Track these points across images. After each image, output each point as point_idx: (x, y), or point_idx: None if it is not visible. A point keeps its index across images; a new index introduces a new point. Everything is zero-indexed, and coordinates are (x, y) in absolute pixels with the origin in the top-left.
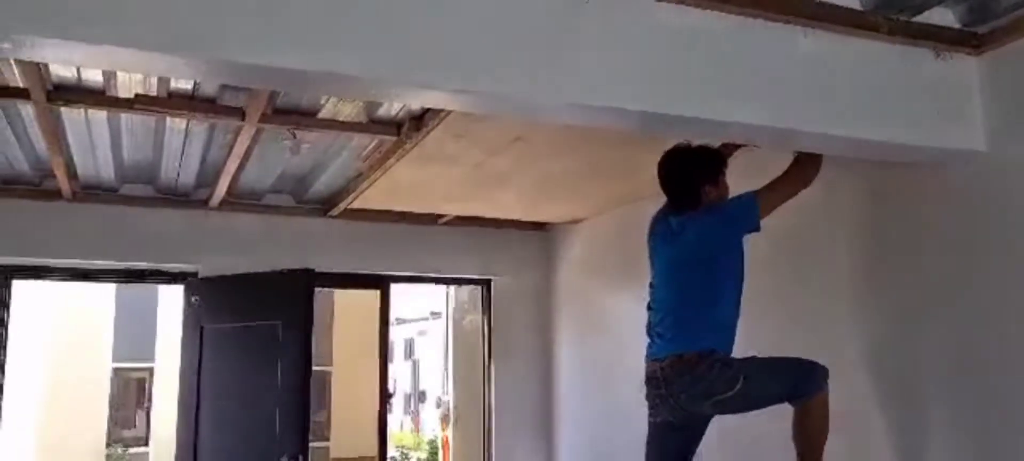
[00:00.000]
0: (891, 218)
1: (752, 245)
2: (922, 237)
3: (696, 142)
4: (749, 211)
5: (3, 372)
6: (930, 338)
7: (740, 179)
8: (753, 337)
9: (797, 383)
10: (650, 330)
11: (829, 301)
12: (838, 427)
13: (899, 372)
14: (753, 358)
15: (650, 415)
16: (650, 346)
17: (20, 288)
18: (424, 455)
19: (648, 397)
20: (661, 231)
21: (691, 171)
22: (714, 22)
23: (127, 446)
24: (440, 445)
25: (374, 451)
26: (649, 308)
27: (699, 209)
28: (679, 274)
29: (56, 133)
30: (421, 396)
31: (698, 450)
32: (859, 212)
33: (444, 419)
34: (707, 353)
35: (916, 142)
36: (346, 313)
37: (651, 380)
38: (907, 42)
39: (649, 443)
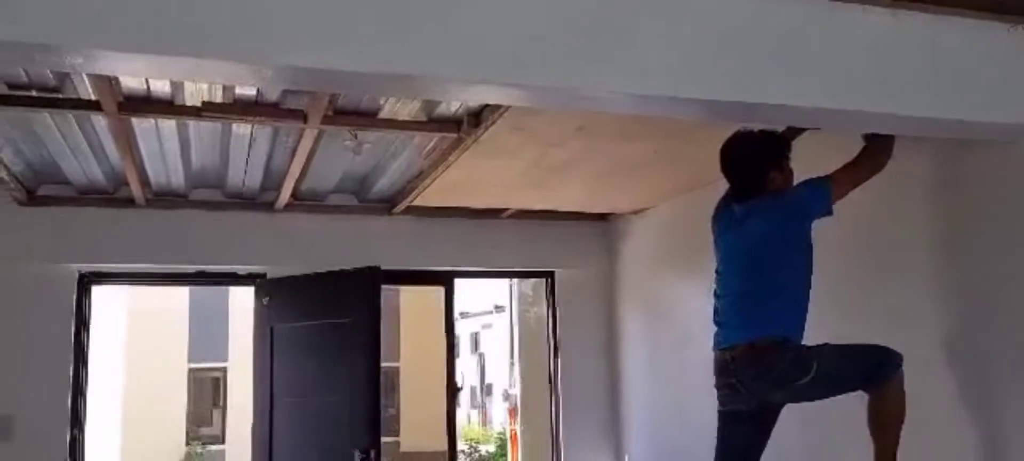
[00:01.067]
0: (966, 200)
1: (823, 232)
2: (998, 218)
3: (758, 127)
4: (821, 196)
5: (88, 374)
6: (1010, 325)
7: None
8: (825, 327)
9: (871, 368)
10: (718, 318)
11: (903, 288)
12: (915, 419)
13: (978, 362)
14: (826, 345)
15: (720, 405)
16: (718, 334)
17: (98, 293)
18: (493, 447)
19: (718, 386)
20: (725, 218)
21: (755, 156)
22: (775, 5)
23: (205, 443)
24: (508, 438)
25: (443, 445)
26: (716, 295)
27: (764, 196)
28: (748, 262)
29: (128, 143)
30: (488, 389)
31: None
32: (932, 195)
33: (512, 411)
34: (780, 341)
35: (990, 119)
36: (412, 309)
37: (722, 369)
38: (978, 16)
39: (720, 434)
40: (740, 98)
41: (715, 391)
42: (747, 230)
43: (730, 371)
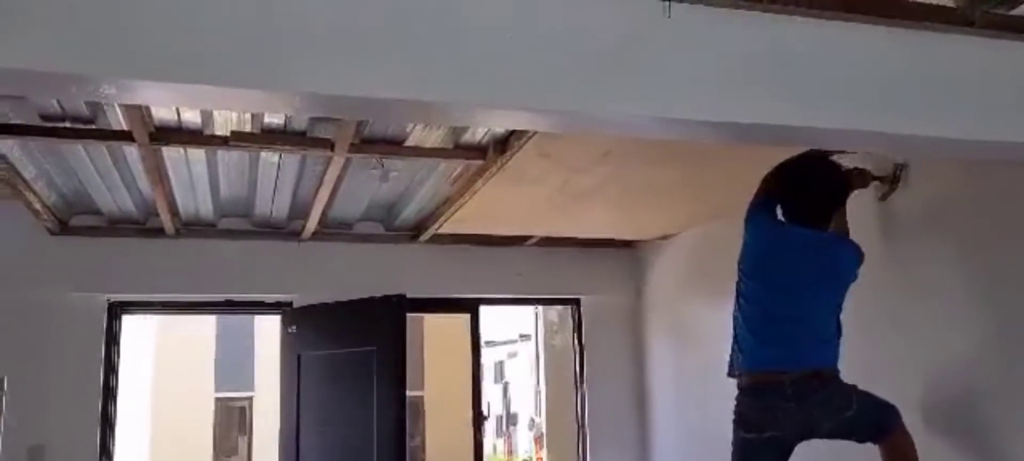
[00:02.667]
0: (992, 220)
1: None
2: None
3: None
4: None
5: (117, 403)
6: None
7: None
8: (849, 350)
9: (885, 418)
10: (760, 333)
11: (928, 310)
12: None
13: (1007, 378)
14: (855, 385)
15: (750, 430)
16: (760, 353)
17: (128, 322)
18: None
19: (757, 409)
20: (780, 232)
21: (838, 192)
22: (799, 28)
23: None
24: None
25: None
26: (754, 309)
27: (829, 233)
28: (811, 291)
29: (158, 172)
30: (513, 418)
31: None
32: (958, 214)
33: (538, 440)
34: (837, 372)
35: (1011, 139)
36: (436, 338)
37: (770, 391)
38: (1004, 36)
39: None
40: (766, 121)
41: (743, 416)
42: (822, 261)
43: (783, 395)
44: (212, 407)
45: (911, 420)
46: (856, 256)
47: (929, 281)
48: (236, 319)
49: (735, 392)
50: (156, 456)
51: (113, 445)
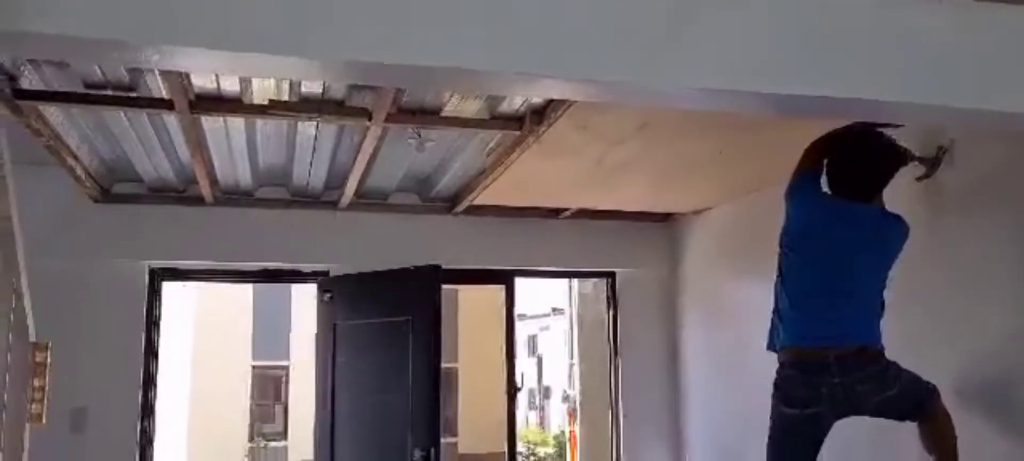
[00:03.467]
0: None
1: None
2: None
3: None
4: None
5: (157, 369)
6: None
7: None
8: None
9: (924, 395)
10: (803, 309)
11: (966, 285)
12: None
13: None
14: (896, 362)
15: (792, 405)
16: (805, 328)
17: (168, 289)
18: (551, 450)
19: (801, 384)
20: (830, 208)
21: (894, 167)
22: None
23: (268, 439)
24: (567, 439)
25: (500, 447)
26: (795, 279)
27: (879, 208)
28: (868, 265)
29: (198, 141)
30: (545, 392)
31: None
32: (1002, 194)
33: (571, 413)
34: (882, 350)
35: None
36: (470, 311)
37: (816, 368)
38: None
39: (789, 436)
40: (812, 92)
41: (784, 391)
42: (877, 237)
43: (828, 371)
44: (249, 376)
45: (946, 399)
46: (904, 231)
47: (967, 260)
48: (272, 289)
49: (771, 366)
50: (195, 423)
51: (154, 409)
